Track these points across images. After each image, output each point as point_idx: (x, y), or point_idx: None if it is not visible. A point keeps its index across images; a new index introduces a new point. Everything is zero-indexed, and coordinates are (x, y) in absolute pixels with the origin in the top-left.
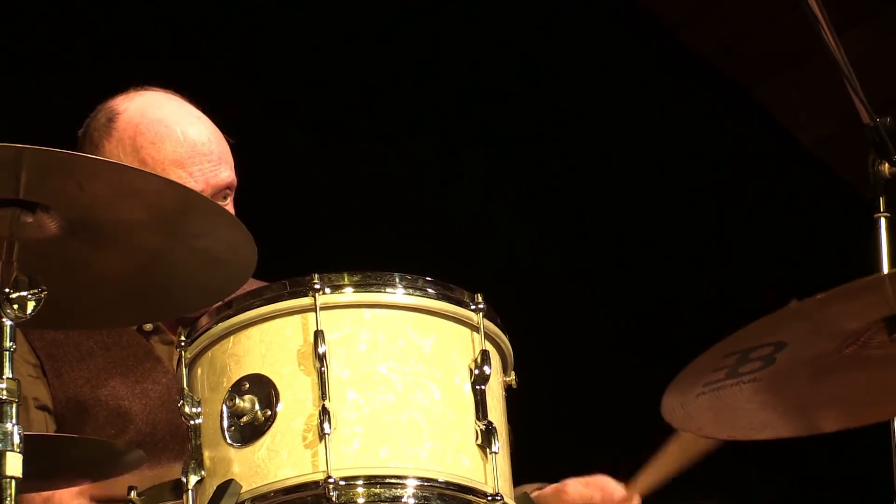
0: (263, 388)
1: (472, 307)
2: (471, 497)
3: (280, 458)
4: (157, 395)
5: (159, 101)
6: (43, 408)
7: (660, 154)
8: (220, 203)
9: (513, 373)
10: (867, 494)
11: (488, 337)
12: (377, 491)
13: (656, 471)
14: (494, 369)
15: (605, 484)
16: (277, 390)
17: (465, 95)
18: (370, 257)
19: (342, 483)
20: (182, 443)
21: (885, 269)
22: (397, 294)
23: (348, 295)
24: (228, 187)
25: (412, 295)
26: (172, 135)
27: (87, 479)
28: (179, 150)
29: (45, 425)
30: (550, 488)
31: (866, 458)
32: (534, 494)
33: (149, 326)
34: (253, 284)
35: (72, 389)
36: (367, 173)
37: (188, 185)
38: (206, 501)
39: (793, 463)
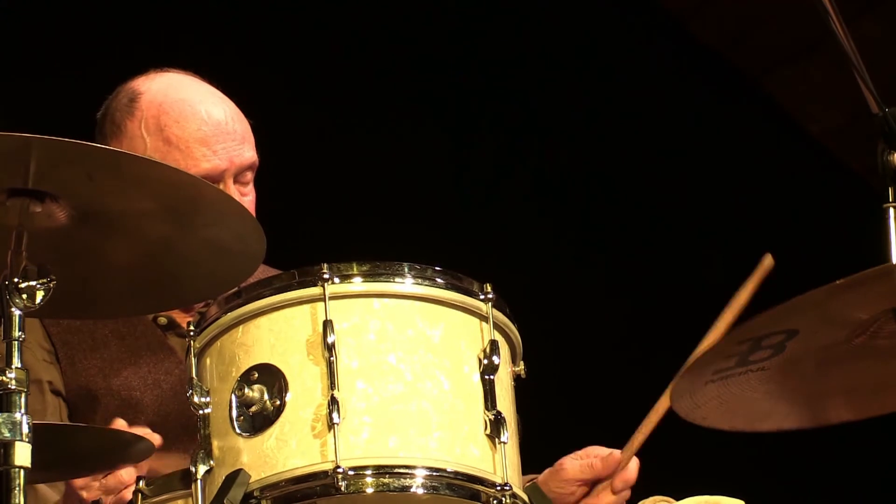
0: (272, 378)
1: (481, 297)
2: (479, 487)
3: (289, 447)
4: (168, 386)
5: (181, 82)
6: (57, 392)
7: (668, 144)
8: (242, 183)
9: (522, 362)
10: (876, 487)
11: (497, 327)
12: (386, 481)
13: (643, 433)
14: (503, 359)
15: (599, 450)
16: (286, 380)
17: (474, 85)
18: (379, 247)
19: (351, 473)
20: (192, 435)
21: (895, 260)
22: (406, 284)
23: (357, 284)
24: (251, 167)
25: (421, 284)
26: (197, 114)
27: (95, 469)
28: (204, 129)
29: (59, 410)
30: (546, 472)
31: (874, 451)
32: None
33: (163, 320)
34: (267, 272)
35: (84, 378)
36: (377, 163)
37: (212, 163)
38: (215, 491)
39: (801, 456)
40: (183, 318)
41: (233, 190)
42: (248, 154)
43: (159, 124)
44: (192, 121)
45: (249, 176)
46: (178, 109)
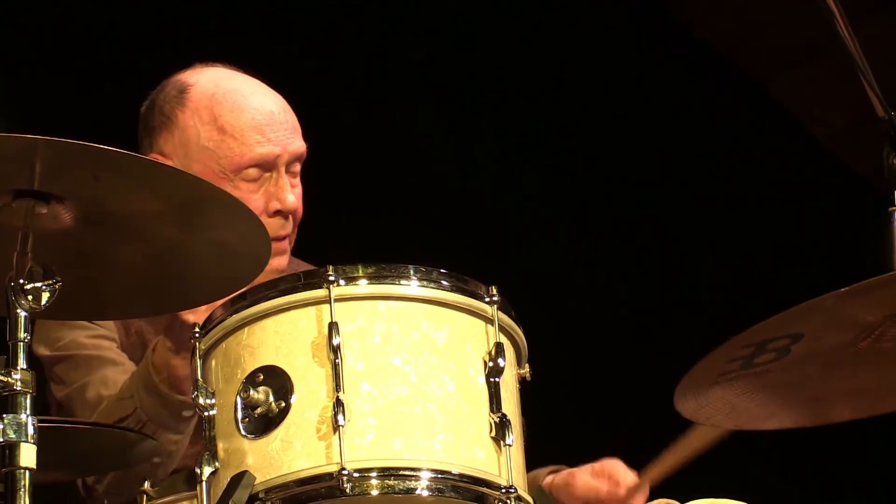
0: (277, 380)
1: (487, 299)
2: (484, 489)
3: (294, 449)
4: None
5: (230, 74)
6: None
7: (674, 147)
8: (292, 174)
9: (527, 365)
10: (877, 487)
11: (502, 329)
12: (391, 483)
13: (670, 461)
14: (508, 361)
15: (614, 471)
16: (291, 382)
17: (482, 87)
18: (385, 249)
19: (356, 475)
20: None
21: None
22: (412, 286)
23: (363, 287)
24: (300, 157)
25: (426, 287)
26: (250, 104)
27: (99, 469)
28: (258, 118)
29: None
30: (560, 479)
31: (876, 451)
32: (545, 481)
33: None
34: (301, 266)
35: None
36: (382, 164)
37: (267, 148)
38: (220, 493)
39: (805, 459)
40: None
41: (285, 180)
42: (299, 143)
43: (213, 114)
44: (246, 110)
45: (298, 167)
46: (232, 99)
